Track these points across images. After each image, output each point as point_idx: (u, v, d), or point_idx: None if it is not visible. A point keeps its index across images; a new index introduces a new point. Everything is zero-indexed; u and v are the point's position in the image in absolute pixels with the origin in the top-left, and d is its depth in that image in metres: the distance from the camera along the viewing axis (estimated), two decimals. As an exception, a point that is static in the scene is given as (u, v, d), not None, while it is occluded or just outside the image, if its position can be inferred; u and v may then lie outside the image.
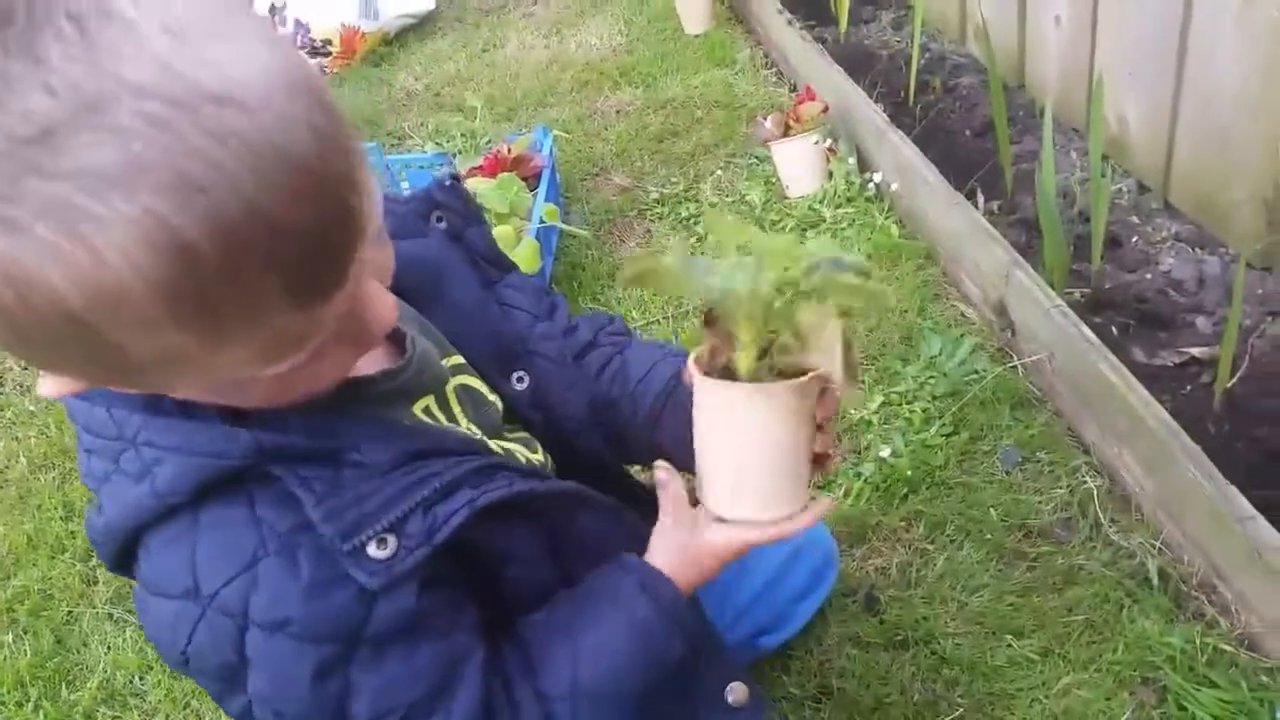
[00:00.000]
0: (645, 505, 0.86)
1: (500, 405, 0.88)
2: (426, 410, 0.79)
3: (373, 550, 0.64)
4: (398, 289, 0.81)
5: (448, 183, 0.90)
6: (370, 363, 0.75)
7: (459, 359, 0.86)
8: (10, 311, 0.47)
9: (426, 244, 0.87)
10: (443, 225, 0.89)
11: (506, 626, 0.79)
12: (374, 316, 0.61)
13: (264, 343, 0.53)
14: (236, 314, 0.50)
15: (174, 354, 0.51)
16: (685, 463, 0.81)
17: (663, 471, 0.84)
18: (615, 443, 0.95)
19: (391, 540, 0.64)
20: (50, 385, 0.58)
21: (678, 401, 0.90)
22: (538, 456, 0.90)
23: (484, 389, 0.87)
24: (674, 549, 0.80)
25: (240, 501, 0.64)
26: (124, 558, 0.68)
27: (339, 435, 0.67)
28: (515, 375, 0.90)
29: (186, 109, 0.45)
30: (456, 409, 0.82)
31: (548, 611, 0.79)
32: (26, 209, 0.44)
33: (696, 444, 0.76)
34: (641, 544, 0.82)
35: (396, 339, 0.78)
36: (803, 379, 0.70)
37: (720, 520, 0.77)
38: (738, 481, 0.76)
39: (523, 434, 0.90)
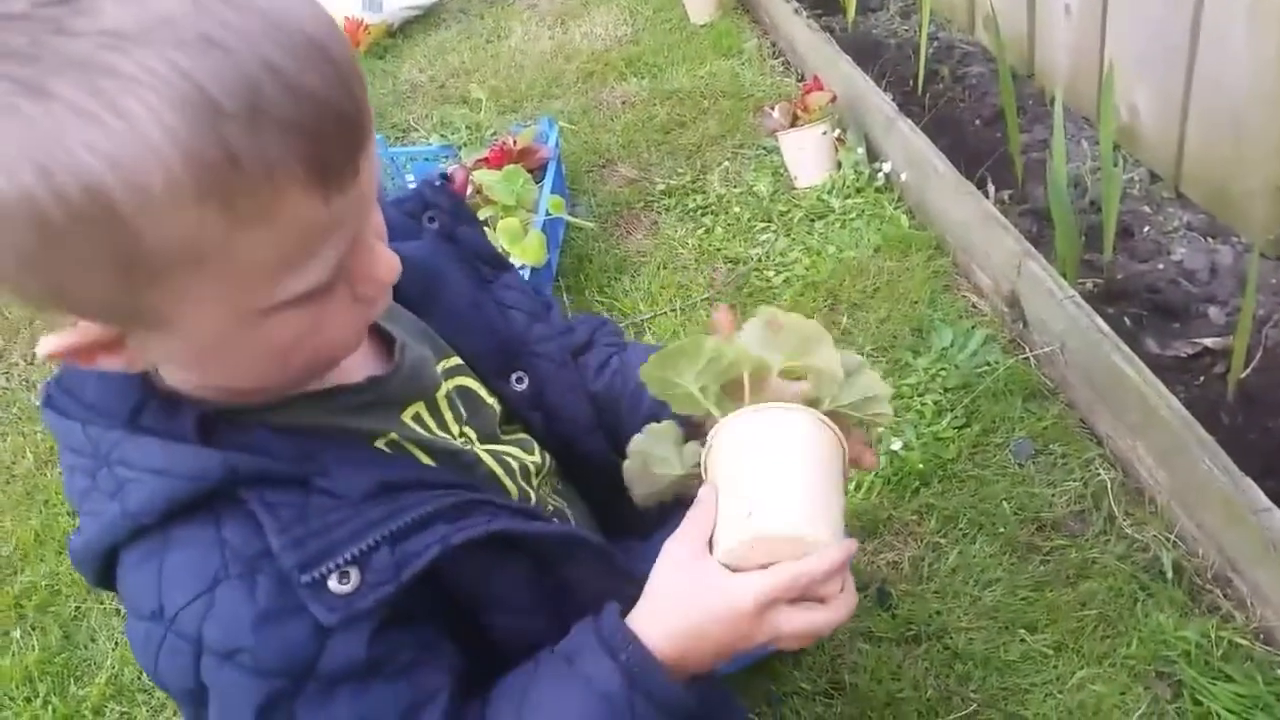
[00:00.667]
0: (643, 515, 0.83)
1: (498, 407, 0.87)
2: (416, 417, 0.77)
3: (334, 584, 0.61)
4: (394, 290, 0.80)
5: (437, 182, 0.90)
6: (358, 369, 0.74)
7: (456, 360, 0.85)
8: (32, 201, 0.47)
9: (420, 246, 0.86)
10: (435, 225, 0.88)
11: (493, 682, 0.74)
12: (377, 265, 0.62)
13: (282, 236, 0.53)
14: (258, 185, 0.50)
15: (192, 244, 0.50)
16: None
17: (707, 488, 0.74)
18: (614, 443, 0.94)
19: (354, 574, 0.62)
20: (53, 340, 0.58)
21: None
22: (534, 458, 0.88)
23: (482, 391, 0.86)
24: (679, 605, 0.70)
25: (208, 523, 0.63)
26: (104, 575, 0.67)
27: (312, 459, 0.65)
28: (515, 376, 0.89)
29: None
30: (448, 415, 0.81)
31: (515, 670, 0.72)
32: (48, 68, 0.45)
33: (724, 479, 0.73)
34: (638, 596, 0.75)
35: (386, 344, 0.77)
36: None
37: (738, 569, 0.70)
38: (785, 497, 0.71)
39: (521, 435, 0.89)
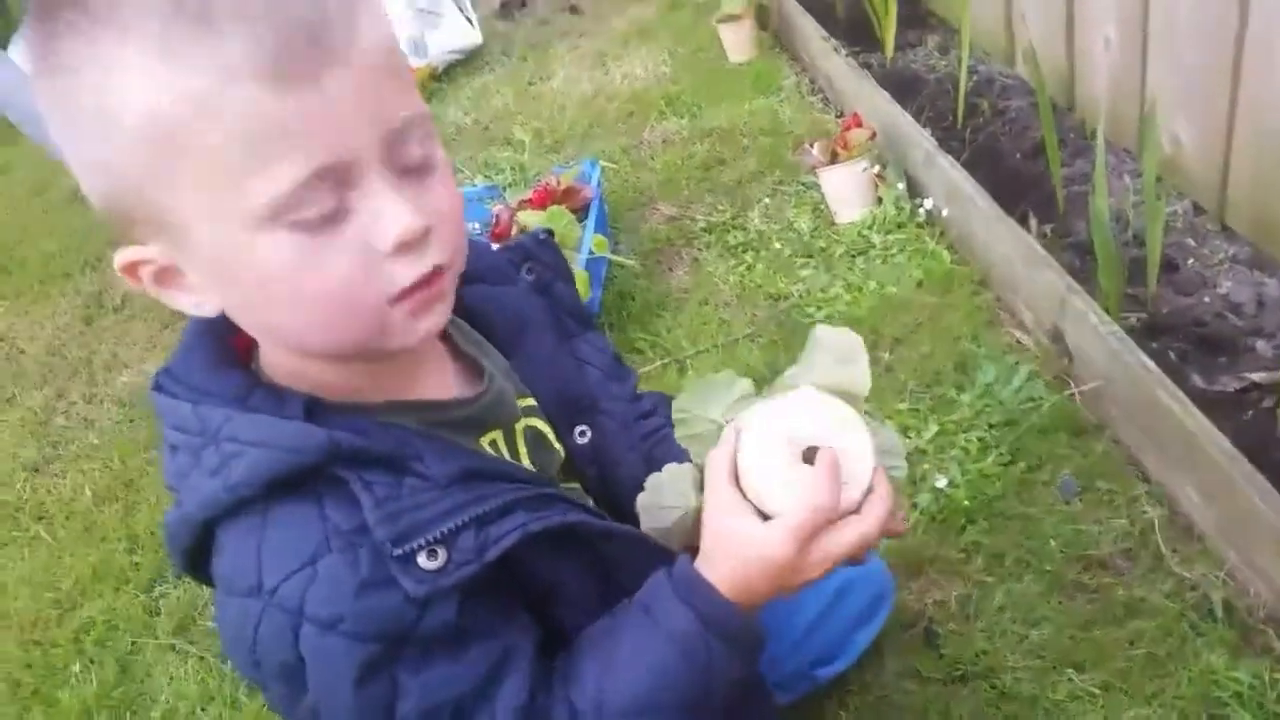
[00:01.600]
0: None
1: (562, 455, 0.90)
2: (493, 444, 0.81)
3: (423, 560, 0.65)
4: (484, 329, 0.84)
5: (542, 237, 0.94)
6: (445, 389, 0.78)
7: (532, 402, 0.88)
8: (77, 96, 0.58)
9: (513, 292, 0.90)
10: (531, 277, 0.91)
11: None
12: (384, 211, 0.62)
13: (235, 122, 0.57)
14: (202, 55, 0.56)
15: (156, 115, 0.57)
16: None
17: (731, 429, 0.77)
18: None
19: (442, 553, 0.65)
20: (122, 254, 0.65)
21: None
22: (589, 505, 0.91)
23: (550, 435, 0.89)
24: (740, 561, 0.74)
25: (309, 500, 0.66)
26: (196, 555, 0.70)
27: (407, 444, 0.69)
28: (579, 429, 0.92)
29: None
30: (522, 449, 0.84)
31: (594, 625, 0.78)
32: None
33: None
34: None
35: (476, 370, 0.81)
36: None
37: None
38: None
39: (575, 486, 0.91)
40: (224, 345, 0.72)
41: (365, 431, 0.67)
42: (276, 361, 0.72)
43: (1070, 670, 1.29)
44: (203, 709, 1.61)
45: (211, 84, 0.56)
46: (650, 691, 0.72)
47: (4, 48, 2.86)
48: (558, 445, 0.90)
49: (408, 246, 0.63)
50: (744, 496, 0.74)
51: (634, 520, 0.93)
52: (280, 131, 0.57)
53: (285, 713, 0.71)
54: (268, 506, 0.66)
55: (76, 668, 1.74)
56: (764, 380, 1.77)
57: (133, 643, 1.76)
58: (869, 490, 0.74)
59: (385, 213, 0.62)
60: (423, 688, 0.66)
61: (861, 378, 0.79)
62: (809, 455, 0.74)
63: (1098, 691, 1.26)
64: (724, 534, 0.75)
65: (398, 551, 0.64)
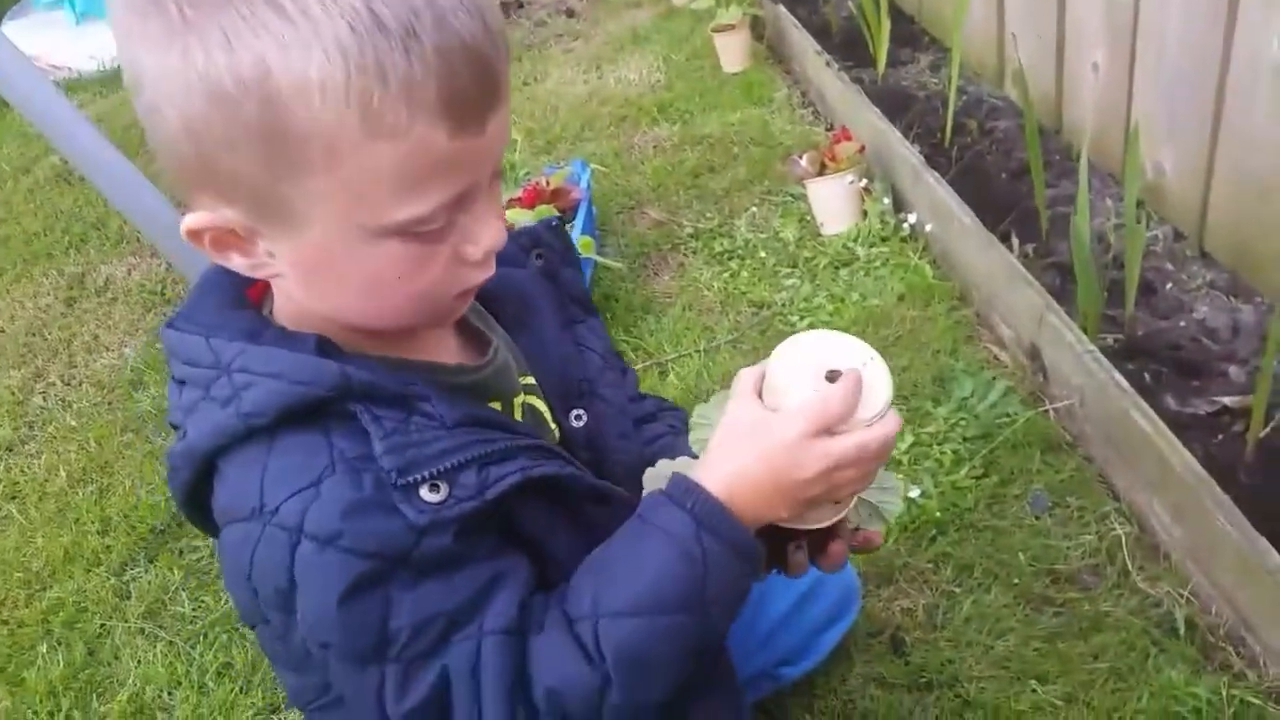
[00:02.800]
0: None
1: (557, 435, 0.91)
2: None
3: (425, 492, 0.67)
4: (491, 306, 0.86)
5: (554, 224, 0.97)
6: (451, 355, 0.81)
7: (532, 380, 0.90)
8: (213, 67, 0.57)
9: (522, 275, 0.93)
10: (540, 262, 0.94)
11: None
12: (487, 228, 0.68)
13: (405, 156, 0.60)
14: (397, 101, 0.58)
15: (330, 141, 0.58)
16: None
17: (745, 370, 0.78)
18: None
19: (444, 486, 0.67)
20: (198, 216, 0.65)
21: None
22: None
23: (546, 414, 0.90)
24: (744, 448, 0.74)
25: (316, 431, 0.68)
26: (196, 487, 0.71)
27: (415, 386, 0.71)
28: (574, 413, 0.93)
29: None
30: (519, 419, 0.85)
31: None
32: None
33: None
34: None
35: (481, 342, 0.84)
36: None
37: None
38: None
39: None
40: (238, 291, 0.75)
41: (375, 370, 0.70)
42: (294, 312, 0.74)
43: (1034, 681, 1.30)
44: (170, 693, 1.60)
45: (400, 115, 0.58)
46: (647, 590, 0.71)
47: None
48: (553, 424, 0.91)
49: (491, 254, 0.70)
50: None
51: (629, 504, 0.94)
52: (444, 167, 0.62)
53: (280, 650, 0.72)
54: (274, 435, 0.67)
55: (44, 648, 1.73)
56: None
57: (102, 625, 1.76)
58: (880, 417, 0.74)
59: (485, 229, 0.68)
60: (415, 603, 0.68)
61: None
62: (832, 377, 0.74)
63: (1060, 703, 1.28)
64: (732, 424, 0.75)
65: (401, 481, 0.66)
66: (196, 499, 0.73)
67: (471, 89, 0.60)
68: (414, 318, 0.72)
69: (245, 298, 0.75)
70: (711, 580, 0.71)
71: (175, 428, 0.72)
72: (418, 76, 0.57)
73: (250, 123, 0.58)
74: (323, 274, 0.67)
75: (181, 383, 0.71)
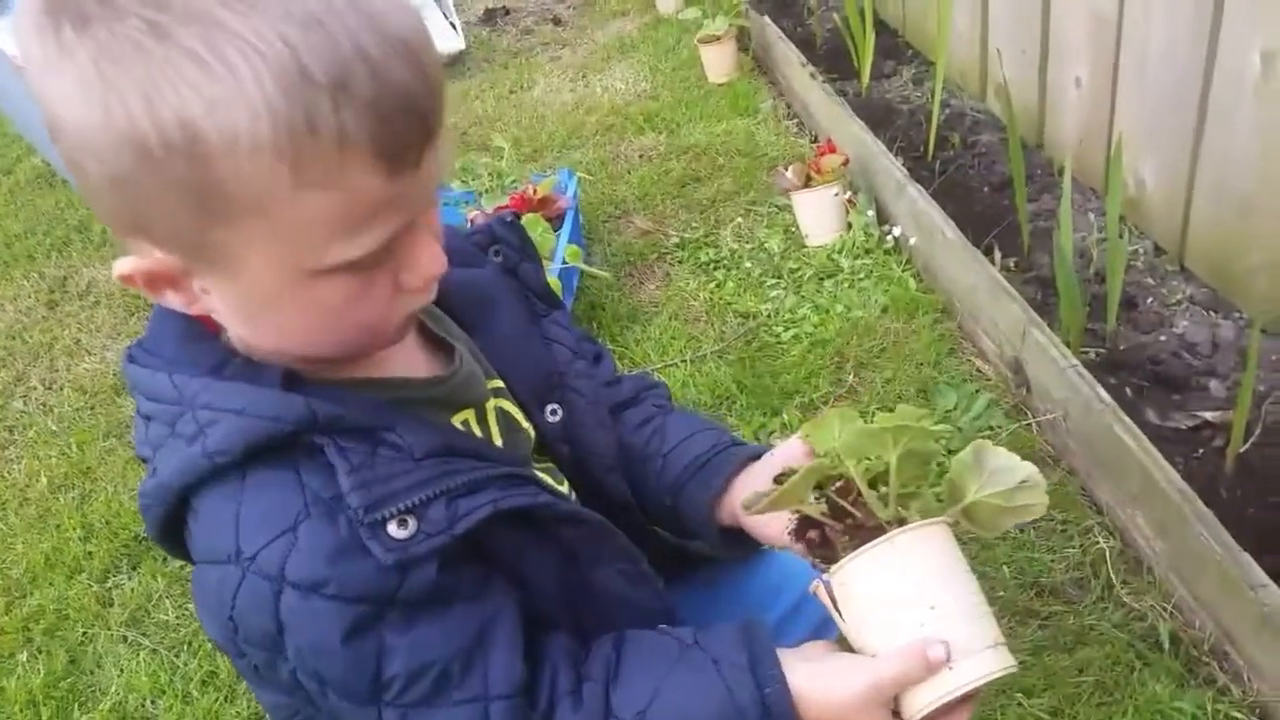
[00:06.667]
0: (662, 558, 0.87)
1: (532, 435, 0.91)
2: (465, 424, 0.82)
3: (393, 529, 0.65)
4: (451, 310, 0.85)
5: (509, 219, 0.95)
6: (417, 367, 0.79)
7: (499, 384, 0.89)
8: (135, 127, 0.54)
9: (482, 273, 0.91)
10: (499, 259, 0.93)
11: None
12: (423, 257, 0.66)
13: (341, 203, 0.58)
14: (328, 154, 0.55)
15: (261, 194, 0.56)
16: (695, 534, 0.87)
17: (938, 648, 0.72)
18: (637, 493, 0.97)
19: (411, 522, 0.66)
20: (128, 262, 0.63)
21: (704, 475, 0.92)
22: (562, 489, 0.91)
23: (519, 416, 0.90)
24: (822, 684, 0.73)
25: (287, 468, 0.66)
26: (170, 523, 0.70)
27: (382, 416, 0.70)
28: (549, 408, 0.92)
29: None
30: (494, 428, 0.85)
31: (659, 634, 0.78)
32: (176, 16, 0.53)
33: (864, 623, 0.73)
34: (662, 613, 0.82)
35: (446, 350, 0.82)
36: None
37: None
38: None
39: (549, 465, 0.93)
40: (193, 319, 0.72)
41: (341, 400, 0.68)
42: (236, 333, 0.72)
43: (1020, 695, 1.32)
44: (153, 702, 1.59)
45: (332, 167, 0.56)
46: None
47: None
48: (526, 425, 0.91)
49: (430, 281, 0.68)
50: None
51: (607, 494, 0.94)
52: (381, 208, 0.60)
53: (261, 681, 0.71)
54: (245, 473, 0.66)
55: (24, 656, 1.71)
56: (731, 397, 1.78)
57: (84, 633, 1.74)
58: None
59: (424, 257, 0.66)
60: (409, 649, 0.67)
61: (1039, 503, 0.75)
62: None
63: (1046, 716, 1.29)
64: (842, 691, 0.72)
65: (368, 519, 0.65)
66: (171, 530, 0.71)
67: (405, 134, 0.58)
68: (357, 348, 0.71)
69: (203, 325, 0.72)
70: None
71: (144, 461, 0.71)
72: (349, 128, 0.55)
73: (178, 179, 0.55)
74: (261, 311, 0.66)
75: (148, 418, 0.70)
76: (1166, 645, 1.32)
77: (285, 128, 0.54)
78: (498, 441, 0.85)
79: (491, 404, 0.86)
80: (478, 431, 0.83)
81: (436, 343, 0.84)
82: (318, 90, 0.54)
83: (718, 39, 3.14)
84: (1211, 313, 1.75)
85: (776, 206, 2.47)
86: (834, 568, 0.73)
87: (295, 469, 0.66)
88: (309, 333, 0.67)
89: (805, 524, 0.78)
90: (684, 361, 2.04)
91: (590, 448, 0.94)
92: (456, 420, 0.81)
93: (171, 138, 0.54)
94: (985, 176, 2.29)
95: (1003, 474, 0.75)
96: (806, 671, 0.74)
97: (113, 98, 0.54)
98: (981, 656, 0.70)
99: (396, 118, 0.57)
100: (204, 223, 0.58)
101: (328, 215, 0.58)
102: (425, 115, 0.59)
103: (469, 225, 2.17)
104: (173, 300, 0.66)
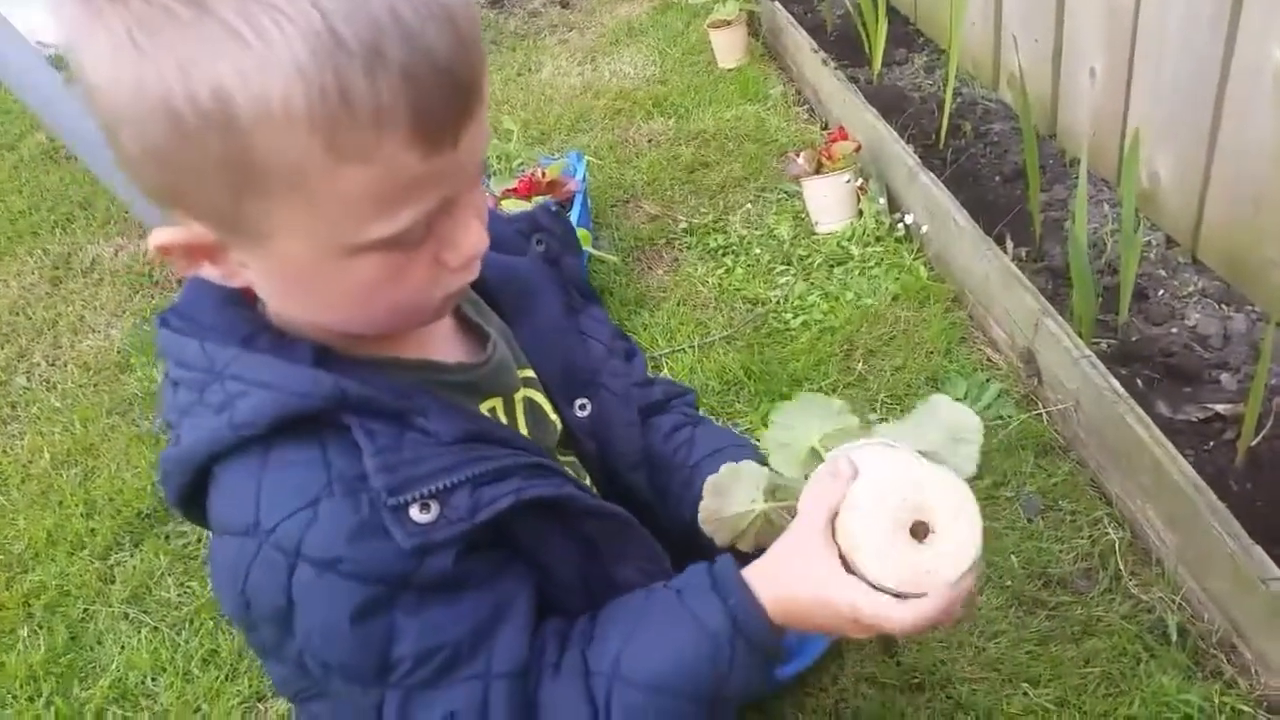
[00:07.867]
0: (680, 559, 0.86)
1: (559, 428, 0.90)
2: (492, 411, 0.82)
3: (415, 512, 0.65)
4: (490, 298, 0.84)
5: (553, 209, 0.95)
6: (449, 352, 0.79)
7: (530, 374, 0.89)
8: (170, 96, 0.53)
9: (522, 262, 0.91)
10: (541, 248, 0.92)
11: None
12: (465, 236, 0.65)
13: (376, 179, 0.57)
14: (363, 125, 0.54)
15: (295, 166, 0.55)
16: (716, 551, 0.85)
17: (844, 462, 0.75)
18: (659, 501, 0.96)
19: (435, 507, 0.66)
20: (165, 232, 0.62)
21: None
22: (585, 483, 0.91)
23: (547, 407, 0.89)
24: (803, 587, 0.73)
25: (312, 444, 0.66)
26: (191, 492, 0.70)
27: (412, 399, 0.70)
28: (579, 402, 0.92)
29: None
30: (521, 418, 0.84)
31: (628, 595, 0.79)
32: None
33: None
34: None
35: (480, 336, 0.82)
36: None
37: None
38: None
39: (573, 459, 0.92)
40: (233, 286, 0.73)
41: (372, 382, 0.68)
42: (272, 305, 0.72)
43: (1025, 685, 1.31)
44: (153, 679, 1.59)
45: (367, 140, 0.55)
46: (668, 673, 0.72)
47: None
48: (554, 418, 0.90)
49: (472, 260, 0.67)
50: (834, 535, 0.73)
51: (630, 492, 0.93)
52: (419, 184, 0.59)
53: (270, 656, 0.71)
54: (269, 447, 0.66)
55: (25, 632, 1.71)
56: (739, 383, 1.77)
57: (85, 610, 1.74)
58: (953, 584, 0.71)
59: (466, 236, 0.65)
60: (419, 631, 0.67)
61: (969, 462, 0.76)
62: (917, 529, 0.72)
63: (1052, 707, 1.28)
64: (799, 554, 0.73)
65: (392, 501, 0.65)
66: (191, 497, 0.71)
67: (443, 108, 0.57)
68: (396, 325, 0.71)
69: (240, 293, 0.72)
70: (733, 680, 0.73)
71: (169, 426, 0.71)
72: (385, 100, 0.54)
73: (213, 152, 0.55)
74: (299, 287, 0.65)
75: (176, 383, 0.70)
76: (1174, 638, 1.32)
77: (319, 98, 0.53)
78: (523, 432, 0.84)
79: (520, 394, 0.86)
80: (505, 421, 0.83)
81: (472, 328, 0.84)
82: (351, 58, 0.53)
83: (727, 24, 3.12)
84: (1223, 305, 1.74)
85: (786, 193, 2.46)
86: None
87: (321, 446, 0.66)
88: (347, 309, 0.66)
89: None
90: (692, 347, 2.03)
91: (616, 445, 0.94)
92: (484, 407, 0.81)
93: (205, 108, 0.53)
94: (997, 166, 2.27)
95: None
96: (763, 573, 0.75)
97: (147, 67, 0.53)
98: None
99: (434, 89, 0.56)
100: (239, 195, 0.57)
101: (364, 191, 0.57)
102: (464, 86, 0.58)
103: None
104: (210, 273, 0.66)
